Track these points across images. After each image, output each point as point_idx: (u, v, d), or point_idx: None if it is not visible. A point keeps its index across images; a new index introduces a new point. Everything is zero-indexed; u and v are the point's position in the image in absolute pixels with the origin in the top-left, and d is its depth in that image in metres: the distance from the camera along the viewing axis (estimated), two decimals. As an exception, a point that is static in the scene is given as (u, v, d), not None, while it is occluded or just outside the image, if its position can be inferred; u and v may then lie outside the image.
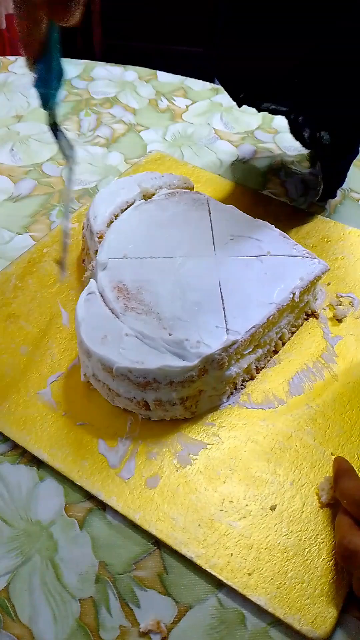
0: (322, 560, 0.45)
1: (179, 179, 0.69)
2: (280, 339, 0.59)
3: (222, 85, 0.70)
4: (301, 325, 0.61)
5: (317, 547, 0.46)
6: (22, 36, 0.45)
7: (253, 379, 0.57)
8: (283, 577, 0.44)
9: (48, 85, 0.48)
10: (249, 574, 0.44)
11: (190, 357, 0.50)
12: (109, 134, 0.87)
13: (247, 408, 0.55)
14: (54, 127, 0.52)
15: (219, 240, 0.60)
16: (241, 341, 0.52)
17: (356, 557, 0.41)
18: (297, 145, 0.87)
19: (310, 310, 0.62)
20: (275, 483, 0.49)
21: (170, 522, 0.47)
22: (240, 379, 0.55)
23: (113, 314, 0.53)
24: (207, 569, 0.45)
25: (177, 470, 0.50)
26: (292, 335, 0.60)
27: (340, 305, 0.63)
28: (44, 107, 0.50)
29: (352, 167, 0.83)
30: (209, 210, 0.64)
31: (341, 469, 0.47)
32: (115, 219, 0.63)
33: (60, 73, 0.48)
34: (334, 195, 0.74)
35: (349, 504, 0.44)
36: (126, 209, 0.64)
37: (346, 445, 0.52)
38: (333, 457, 0.51)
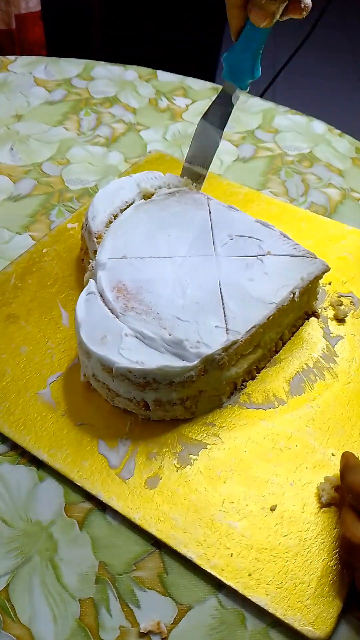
0: (323, 561, 0.45)
1: (179, 179, 0.69)
2: (280, 338, 0.59)
3: None
4: (301, 325, 0.61)
5: (317, 547, 0.46)
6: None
7: (253, 379, 0.57)
8: (283, 578, 0.44)
9: (235, 77, 0.57)
10: (249, 575, 0.44)
11: (190, 357, 0.49)
12: (109, 134, 0.87)
13: (248, 408, 0.54)
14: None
15: (219, 240, 0.60)
16: (241, 341, 0.52)
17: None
18: (297, 145, 0.87)
19: (310, 310, 0.62)
20: (275, 483, 0.49)
21: (171, 523, 0.47)
22: (241, 379, 0.55)
23: (113, 314, 0.53)
24: (208, 570, 0.45)
25: (177, 471, 0.50)
26: (292, 335, 0.60)
27: (340, 305, 0.63)
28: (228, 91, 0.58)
29: (352, 166, 0.83)
30: (209, 210, 0.64)
31: (349, 463, 0.47)
32: (115, 218, 0.63)
33: (248, 71, 0.56)
34: None
35: (354, 498, 0.44)
36: (126, 208, 0.64)
37: (346, 445, 0.52)
38: (333, 457, 0.51)
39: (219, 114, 0.62)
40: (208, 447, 0.52)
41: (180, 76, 1.00)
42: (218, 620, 0.43)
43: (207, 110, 0.63)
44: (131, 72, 1.00)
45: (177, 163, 0.80)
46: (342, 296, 0.64)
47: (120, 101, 0.94)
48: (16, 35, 1.28)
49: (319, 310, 0.63)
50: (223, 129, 0.62)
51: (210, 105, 0.63)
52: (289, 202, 0.77)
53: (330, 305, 0.63)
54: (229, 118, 0.62)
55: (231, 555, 0.45)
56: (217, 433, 0.53)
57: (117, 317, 0.53)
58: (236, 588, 0.44)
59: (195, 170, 0.67)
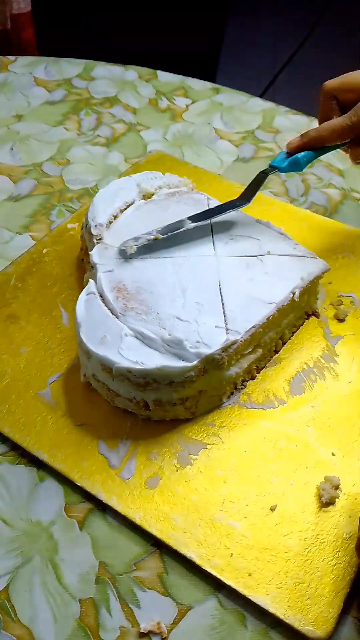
0: (323, 561, 0.45)
1: (179, 179, 0.69)
2: (280, 338, 0.59)
3: None
4: (302, 325, 0.61)
5: (317, 547, 0.46)
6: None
7: (253, 379, 0.57)
8: (283, 577, 0.44)
9: (289, 169, 0.61)
10: (250, 574, 0.44)
11: (190, 357, 0.49)
12: (109, 134, 0.87)
13: (248, 408, 0.54)
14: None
15: (219, 240, 0.60)
16: (241, 341, 0.52)
17: None
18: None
19: (310, 310, 0.62)
20: (275, 483, 0.49)
21: (171, 523, 0.47)
22: (241, 379, 0.55)
23: (113, 314, 0.53)
24: (208, 570, 0.45)
25: (177, 471, 0.50)
26: (292, 335, 0.60)
27: (341, 304, 0.63)
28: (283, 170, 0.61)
29: (352, 167, 0.84)
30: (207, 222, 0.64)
31: None
32: (115, 219, 0.63)
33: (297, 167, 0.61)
34: None
35: None
36: (126, 209, 0.64)
37: (347, 445, 0.52)
38: (333, 457, 0.51)
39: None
40: (208, 447, 0.52)
41: (180, 76, 1.00)
42: (218, 620, 0.43)
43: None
44: (131, 72, 1.00)
45: (177, 163, 0.80)
46: (342, 296, 0.64)
47: (120, 101, 0.94)
48: (11, 35, 1.27)
49: (319, 310, 0.62)
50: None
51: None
52: (289, 202, 0.77)
53: (330, 305, 0.63)
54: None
55: (231, 555, 0.45)
56: (217, 433, 0.53)
57: (117, 317, 0.53)
58: (236, 588, 0.44)
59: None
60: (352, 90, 0.57)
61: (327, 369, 0.58)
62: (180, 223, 0.60)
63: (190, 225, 0.59)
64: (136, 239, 0.58)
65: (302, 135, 0.59)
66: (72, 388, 0.55)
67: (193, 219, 0.60)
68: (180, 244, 0.60)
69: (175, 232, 0.59)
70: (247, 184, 0.63)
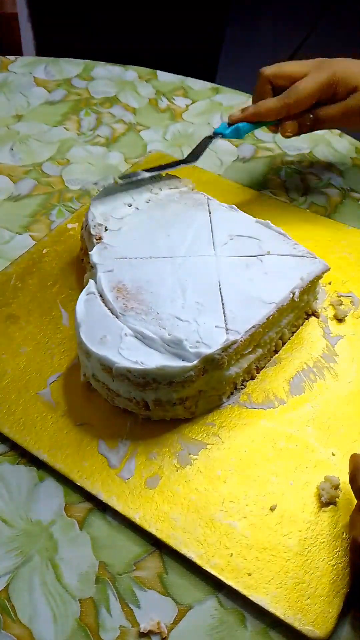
0: (323, 560, 0.45)
1: (179, 179, 0.69)
2: (280, 338, 0.59)
3: None
4: (301, 325, 0.61)
5: (317, 547, 0.46)
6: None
7: (253, 379, 0.57)
8: (283, 577, 0.44)
9: (231, 136, 0.70)
10: (249, 574, 0.44)
11: (190, 357, 0.49)
12: (109, 134, 0.87)
13: (248, 408, 0.55)
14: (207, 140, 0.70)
15: (219, 240, 0.60)
16: (241, 341, 0.52)
17: None
18: (297, 145, 0.87)
19: (310, 310, 0.62)
20: (275, 483, 0.49)
21: (170, 522, 0.47)
22: (240, 378, 0.55)
23: (112, 314, 0.53)
24: (208, 569, 0.45)
25: (177, 470, 0.50)
26: (292, 335, 0.60)
27: (340, 304, 0.63)
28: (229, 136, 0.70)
29: (351, 166, 0.84)
30: (209, 210, 0.64)
31: (358, 466, 0.47)
32: (115, 219, 0.63)
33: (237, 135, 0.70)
34: None
35: None
36: (126, 209, 0.64)
37: (346, 445, 0.52)
38: (333, 457, 0.51)
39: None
40: (208, 446, 0.52)
41: (180, 76, 1.00)
42: (218, 620, 0.44)
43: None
44: (131, 72, 1.01)
45: (177, 163, 0.80)
46: (342, 296, 0.64)
47: (120, 101, 0.94)
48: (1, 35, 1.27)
49: (319, 310, 0.63)
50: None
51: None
52: (289, 202, 0.77)
53: (330, 305, 0.63)
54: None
55: (231, 554, 0.45)
56: (217, 433, 0.53)
57: (117, 317, 0.53)
58: (236, 588, 0.44)
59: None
60: (285, 78, 0.69)
61: (327, 368, 0.58)
62: (135, 174, 0.66)
63: (146, 174, 0.66)
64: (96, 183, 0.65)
65: (242, 109, 0.70)
66: (72, 388, 0.55)
67: (148, 170, 0.67)
68: (181, 235, 0.61)
69: (133, 179, 0.65)
70: (193, 148, 0.69)
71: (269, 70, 0.70)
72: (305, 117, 0.69)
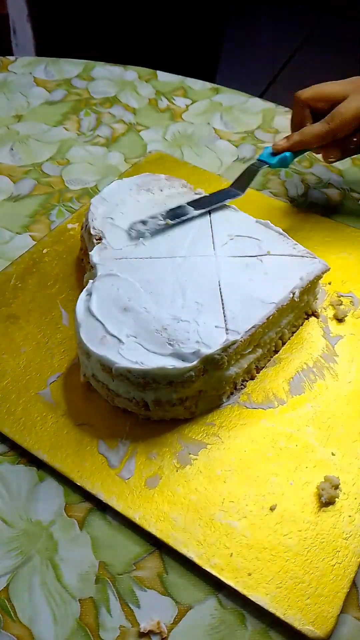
0: (323, 560, 0.45)
1: (179, 180, 0.69)
2: (280, 338, 0.59)
3: None
4: (301, 325, 0.61)
5: (317, 546, 0.46)
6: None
7: (253, 379, 0.57)
8: (283, 577, 0.44)
9: (279, 165, 0.68)
10: (249, 574, 0.44)
11: (190, 357, 0.49)
12: (109, 134, 0.87)
13: (247, 408, 0.55)
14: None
15: (219, 240, 0.60)
16: (241, 341, 0.52)
17: None
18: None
19: (310, 310, 0.62)
20: (275, 483, 0.49)
21: (170, 522, 0.47)
22: (240, 378, 0.55)
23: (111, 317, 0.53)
24: (207, 569, 0.45)
25: (177, 470, 0.50)
26: (292, 335, 0.60)
27: (340, 304, 0.63)
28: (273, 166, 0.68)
29: (351, 167, 0.84)
30: (209, 210, 0.64)
31: None
32: (115, 219, 0.63)
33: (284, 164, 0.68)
34: None
35: None
36: (126, 209, 0.64)
37: (346, 444, 0.52)
38: (333, 457, 0.51)
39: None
40: (208, 446, 0.52)
41: (180, 76, 1.01)
42: (218, 620, 0.44)
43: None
44: (131, 73, 1.01)
45: (177, 163, 0.80)
46: (342, 296, 0.64)
47: (120, 101, 0.94)
48: None
49: (319, 310, 0.63)
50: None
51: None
52: (288, 202, 0.77)
53: (330, 305, 0.63)
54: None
55: (231, 554, 0.45)
56: (217, 433, 0.53)
57: (117, 318, 0.53)
58: (236, 588, 0.44)
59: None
60: (324, 100, 0.66)
61: (326, 368, 0.58)
62: (182, 209, 0.63)
63: (195, 212, 0.63)
64: (144, 222, 0.61)
65: (287, 137, 0.67)
66: (72, 388, 0.55)
67: (193, 205, 0.63)
68: (181, 235, 0.60)
69: (182, 218, 0.62)
70: (237, 176, 0.67)
71: (305, 94, 0.67)
72: (349, 140, 0.67)
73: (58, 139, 0.85)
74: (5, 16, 1.29)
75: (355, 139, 0.67)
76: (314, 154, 0.71)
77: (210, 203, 0.64)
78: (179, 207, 0.63)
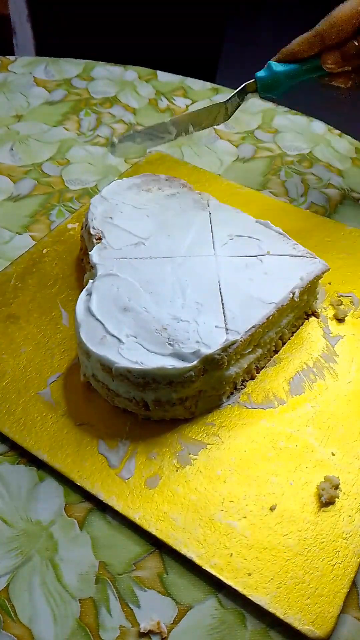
0: (323, 560, 0.45)
1: (179, 180, 0.69)
2: (280, 338, 0.59)
3: None
4: (301, 325, 0.61)
5: (317, 546, 0.46)
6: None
7: (253, 379, 0.57)
8: (283, 577, 0.44)
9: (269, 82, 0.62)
10: (249, 574, 0.44)
11: (190, 357, 0.49)
12: (109, 134, 0.87)
13: (247, 408, 0.55)
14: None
15: (219, 240, 0.60)
16: (241, 341, 0.52)
17: None
18: (297, 145, 0.87)
19: (310, 310, 0.62)
20: (275, 483, 0.49)
21: (170, 522, 0.47)
22: (240, 378, 0.55)
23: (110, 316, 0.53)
24: (207, 569, 0.45)
25: (177, 470, 0.50)
26: (292, 335, 0.60)
27: (340, 304, 0.63)
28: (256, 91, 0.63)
29: (351, 167, 0.84)
30: (208, 210, 0.64)
31: None
32: (114, 219, 0.63)
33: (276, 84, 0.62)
34: None
35: None
36: (126, 209, 0.64)
37: (346, 444, 0.52)
38: (333, 457, 0.51)
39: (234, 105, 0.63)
40: (208, 446, 0.52)
41: (180, 76, 1.01)
42: (218, 620, 0.44)
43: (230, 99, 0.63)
44: (131, 73, 1.01)
45: (177, 163, 0.80)
46: (342, 296, 0.64)
47: (120, 101, 0.94)
48: None
49: (319, 310, 0.63)
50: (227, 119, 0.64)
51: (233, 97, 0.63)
52: (289, 202, 0.77)
53: (330, 305, 0.63)
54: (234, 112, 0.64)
55: (231, 554, 0.45)
56: (217, 433, 0.53)
57: (117, 318, 0.53)
58: (236, 588, 0.44)
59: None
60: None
61: (326, 368, 0.58)
62: (162, 125, 0.63)
63: (172, 128, 0.63)
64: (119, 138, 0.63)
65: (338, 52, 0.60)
66: (72, 388, 0.55)
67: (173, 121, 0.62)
68: (181, 235, 0.60)
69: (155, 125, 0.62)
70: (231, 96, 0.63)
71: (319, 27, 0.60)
72: (349, 45, 0.60)
73: (58, 139, 0.86)
74: (6, 17, 1.29)
75: (356, 43, 0.60)
76: (322, 86, 0.64)
77: (193, 117, 0.62)
78: (158, 124, 0.62)
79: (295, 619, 0.42)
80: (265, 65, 0.62)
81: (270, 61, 0.62)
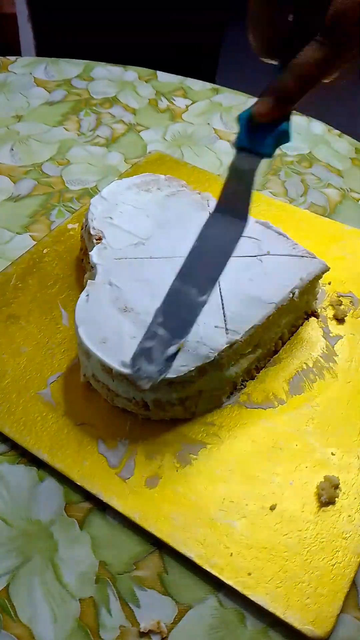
0: (323, 560, 0.45)
1: (179, 180, 0.69)
2: (280, 338, 0.59)
3: None
4: (301, 325, 0.61)
5: (317, 546, 0.46)
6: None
7: (253, 379, 0.57)
8: (283, 577, 0.44)
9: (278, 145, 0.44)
10: (249, 574, 0.44)
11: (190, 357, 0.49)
12: (109, 134, 0.87)
13: (247, 408, 0.55)
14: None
15: (219, 240, 0.60)
16: (241, 341, 0.52)
17: None
18: (297, 145, 0.87)
19: (310, 310, 0.62)
20: (275, 483, 0.49)
21: (170, 522, 0.47)
22: (240, 378, 0.55)
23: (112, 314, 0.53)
24: (207, 569, 0.45)
25: (177, 470, 0.50)
26: (292, 335, 0.60)
27: (340, 304, 0.63)
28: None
29: (351, 167, 0.84)
30: (209, 210, 0.64)
31: None
32: (115, 220, 0.63)
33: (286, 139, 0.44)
34: None
35: None
36: (126, 209, 0.64)
37: (346, 444, 0.52)
38: (333, 457, 0.51)
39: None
40: (208, 446, 0.52)
41: (180, 77, 1.01)
42: (218, 619, 0.44)
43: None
44: (131, 73, 1.01)
45: (176, 163, 0.80)
46: (342, 296, 0.64)
47: (120, 102, 0.94)
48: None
49: (319, 310, 0.63)
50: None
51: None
52: (288, 202, 0.77)
53: (330, 305, 0.63)
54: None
55: (231, 554, 0.45)
56: (216, 432, 0.53)
57: (117, 318, 0.53)
58: (236, 587, 0.44)
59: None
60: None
61: (326, 368, 0.58)
62: None
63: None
64: None
65: (271, 92, 0.41)
66: (72, 388, 0.55)
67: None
68: (181, 235, 0.60)
69: None
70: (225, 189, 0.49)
71: None
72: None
73: (58, 139, 0.86)
74: (13, 15, 1.28)
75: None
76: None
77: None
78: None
79: (295, 618, 0.43)
80: (252, 130, 0.45)
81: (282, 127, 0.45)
